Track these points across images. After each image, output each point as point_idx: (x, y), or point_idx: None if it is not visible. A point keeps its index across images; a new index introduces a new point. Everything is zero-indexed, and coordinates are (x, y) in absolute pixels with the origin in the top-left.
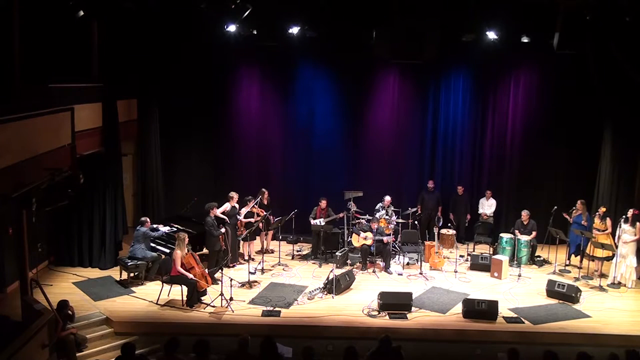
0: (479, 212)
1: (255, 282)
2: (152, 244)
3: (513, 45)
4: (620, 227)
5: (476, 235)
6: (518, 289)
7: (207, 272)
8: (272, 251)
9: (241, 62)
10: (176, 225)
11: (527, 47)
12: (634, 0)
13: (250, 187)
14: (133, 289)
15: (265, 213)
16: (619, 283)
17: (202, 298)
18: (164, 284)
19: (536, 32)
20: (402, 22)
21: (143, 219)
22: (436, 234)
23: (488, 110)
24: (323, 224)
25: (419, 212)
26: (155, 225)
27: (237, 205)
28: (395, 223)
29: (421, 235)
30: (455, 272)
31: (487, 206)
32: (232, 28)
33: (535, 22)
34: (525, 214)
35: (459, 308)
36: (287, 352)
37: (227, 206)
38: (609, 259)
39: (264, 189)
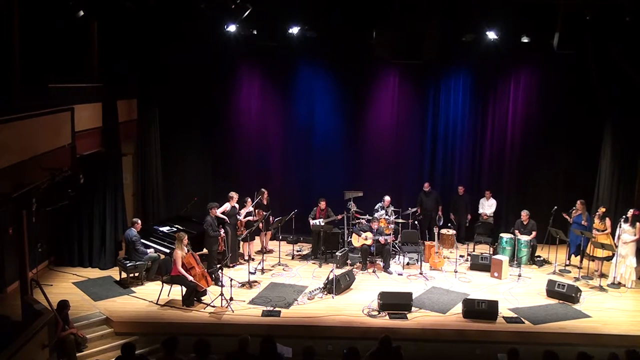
0: (479, 212)
1: (255, 282)
2: (152, 244)
3: (513, 45)
4: (620, 227)
5: (476, 235)
6: (518, 289)
7: (207, 272)
8: (271, 251)
9: (241, 62)
10: (176, 225)
11: (527, 47)
12: (634, 0)
13: (250, 187)
14: (133, 289)
15: (264, 213)
16: (619, 283)
17: (202, 298)
18: (164, 284)
19: (536, 32)
20: (402, 22)
21: (134, 219)
22: (436, 234)
23: (488, 110)
24: (323, 224)
25: (419, 212)
26: (147, 243)
27: (237, 205)
28: (394, 223)
29: (421, 235)
30: (455, 272)
31: (487, 206)
32: (232, 28)
33: (535, 22)
34: (525, 214)
35: (459, 308)
36: (287, 352)
37: (227, 206)
38: (609, 259)
39: (263, 189)
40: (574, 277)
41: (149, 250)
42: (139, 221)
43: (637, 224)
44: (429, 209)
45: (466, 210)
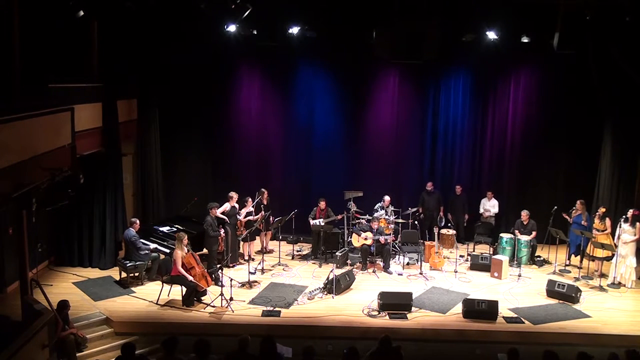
0: (480, 211)
1: (255, 282)
2: (152, 244)
3: (513, 45)
4: (620, 227)
5: (476, 235)
6: (518, 289)
7: (207, 272)
8: (272, 251)
9: (241, 62)
10: (176, 225)
11: (527, 47)
12: (634, 0)
13: (250, 187)
14: (133, 289)
15: (264, 214)
16: (619, 283)
17: (202, 298)
18: (164, 284)
19: (536, 32)
20: (402, 22)
21: (132, 219)
22: (436, 234)
23: (488, 110)
24: (323, 224)
25: (420, 212)
26: (146, 242)
27: (237, 205)
28: (394, 223)
29: (422, 235)
30: (455, 272)
31: (490, 207)
32: (232, 28)
33: (535, 22)
34: (525, 214)
35: (459, 308)
36: (287, 352)
37: (226, 206)
38: (609, 259)
39: (263, 189)
40: (574, 277)
41: (151, 245)
42: (137, 221)
43: (637, 224)
44: (431, 209)
45: (463, 210)
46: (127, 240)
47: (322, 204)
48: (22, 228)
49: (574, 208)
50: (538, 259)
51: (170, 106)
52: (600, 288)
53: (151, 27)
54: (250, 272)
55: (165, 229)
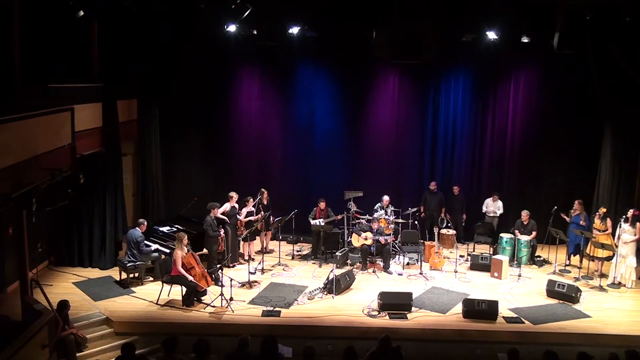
0: (482, 211)
1: (255, 282)
2: (154, 245)
3: (513, 45)
4: (620, 227)
5: (476, 235)
6: (518, 289)
7: (207, 272)
8: (272, 251)
9: (241, 62)
10: (176, 225)
11: (527, 47)
12: (634, 0)
13: (250, 187)
14: (133, 289)
15: (264, 214)
16: (619, 283)
17: (202, 298)
18: (164, 284)
19: (536, 32)
20: (402, 22)
21: (140, 220)
22: (436, 234)
23: (488, 110)
24: (323, 224)
25: (422, 212)
26: (148, 243)
27: (237, 205)
28: (394, 223)
29: (422, 235)
30: (455, 272)
31: (496, 208)
32: (232, 28)
33: (535, 22)
34: (525, 214)
35: (459, 308)
36: (287, 352)
37: (227, 206)
38: (609, 259)
39: (263, 189)
40: (574, 277)
41: (153, 246)
42: (145, 222)
43: (637, 224)
44: (432, 209)
45: (461, 210)
46: (132, 241)
47: (322, 204)
48: (22, 228)
49: (572, 208)
50: (538, 259)
51: (170, 106)
52: (600, 288)
53: (151, 27)
54: (250, 272)
55: (165, 229)
